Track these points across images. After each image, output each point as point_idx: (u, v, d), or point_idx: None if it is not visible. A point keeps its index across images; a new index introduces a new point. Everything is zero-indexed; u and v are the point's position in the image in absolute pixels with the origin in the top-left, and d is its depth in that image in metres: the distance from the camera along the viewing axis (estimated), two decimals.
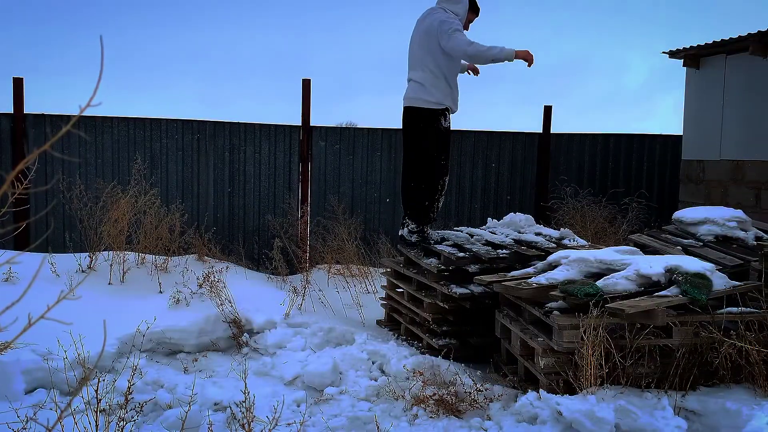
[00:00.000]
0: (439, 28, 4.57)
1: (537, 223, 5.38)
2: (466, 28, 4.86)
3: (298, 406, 3.44)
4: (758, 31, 6.06)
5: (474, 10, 4.95)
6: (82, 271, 5.29)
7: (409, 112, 4.80)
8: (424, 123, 4.72)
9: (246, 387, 2.78)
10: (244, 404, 2.69)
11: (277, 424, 2.83)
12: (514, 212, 5.41)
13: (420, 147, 4.76)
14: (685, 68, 7.34)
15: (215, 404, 3.42)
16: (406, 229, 4.91)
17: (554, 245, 4.53)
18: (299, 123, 7.36)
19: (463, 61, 4.95)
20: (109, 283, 5.22)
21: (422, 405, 3.31)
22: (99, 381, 2.73)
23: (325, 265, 6.71)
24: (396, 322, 4.97)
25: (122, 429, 2.62)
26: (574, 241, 4.69)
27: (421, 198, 4.82)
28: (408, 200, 4.91)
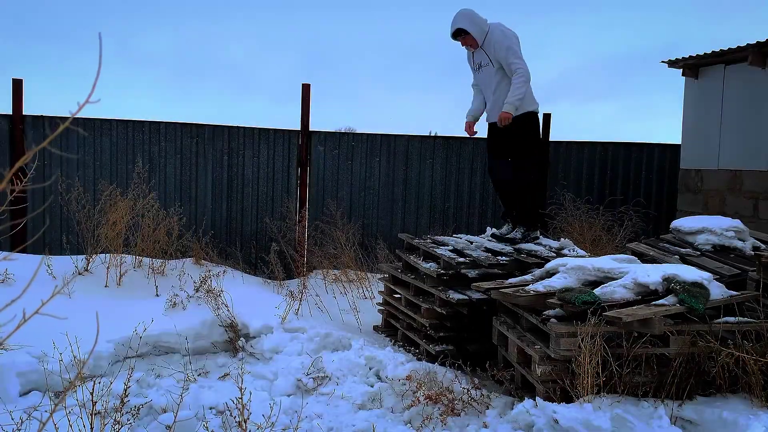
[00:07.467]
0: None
1: None
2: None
3: (295, 411, 3.42)
4: (757, 42, 6.09)
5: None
6: (79, 274, 5.28)
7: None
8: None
9: (241, 392, 2.77)
10: (239, 409, 2.68)
11: (272, 430, 2.82)
12: None
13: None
14: (684, 78, 7.36)
15: (210, 408, 3.41)
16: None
17: (554, 255, 4.53)
18: (298, 127, 7.37)
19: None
20: (106, 286, 5.21)
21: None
22: (94, 384, 2.72)
23: (323, 270, 6.70)
24: (393, 327, 4.96)
25: None
26: (573, 251, 4.68)
27: None
28: None
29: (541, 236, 5.04)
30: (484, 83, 4.96)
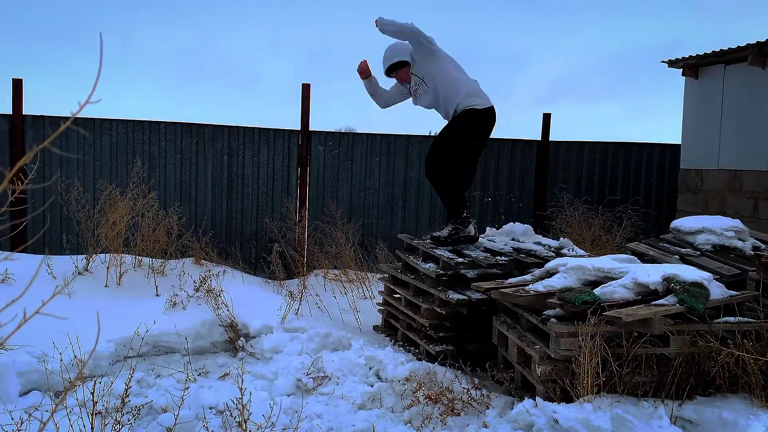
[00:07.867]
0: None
1: (535, 231, 5.38)
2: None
3: (295, 411, 3.42)
4: (757, 42, 6.09)
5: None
6: (79, 273, 5.28)
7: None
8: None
9: (241, 392, 2.77)
10: (239, 409, 2.68)
11: (272, 430, 2.82)
12: (512, 220, 5.41)
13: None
14: (684, 78, 7.36)
15: (210, 408, 3.41)
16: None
17: (553, 254, 4.53)
18: (298, 127, 7.37)
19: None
20: (106, 286, 5.21)
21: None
22: (95, 383, 2.72)
23: (323, 270, 6.70)
24: (393, 327, 4.96)
25: None
26: (573, 251, 4.69)
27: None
28: None
29: (474, 229, 4.85)
30: (428, 102, 4.77)
